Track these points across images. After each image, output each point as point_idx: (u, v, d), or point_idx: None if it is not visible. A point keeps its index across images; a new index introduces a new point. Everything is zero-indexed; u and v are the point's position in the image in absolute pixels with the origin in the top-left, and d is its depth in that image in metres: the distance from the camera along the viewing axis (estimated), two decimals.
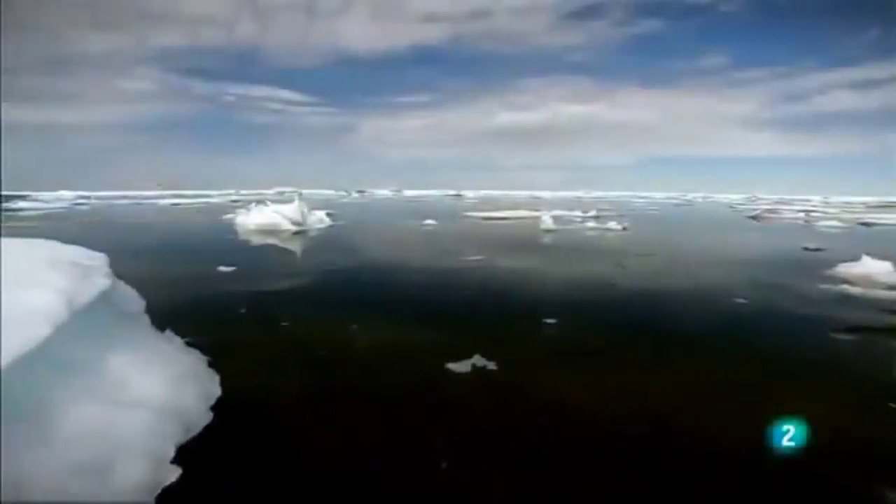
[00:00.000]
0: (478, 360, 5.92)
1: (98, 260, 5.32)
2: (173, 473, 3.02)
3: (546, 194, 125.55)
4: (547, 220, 25.50)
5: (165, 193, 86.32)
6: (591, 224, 29.15)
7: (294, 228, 22.88)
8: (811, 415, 4.34)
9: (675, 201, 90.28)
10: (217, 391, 4.48)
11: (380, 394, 5.06)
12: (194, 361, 4.92)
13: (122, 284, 5.38)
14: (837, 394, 5.30)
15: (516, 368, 5.80)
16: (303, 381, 5.37)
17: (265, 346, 6.53)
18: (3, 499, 2.13)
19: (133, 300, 5.37)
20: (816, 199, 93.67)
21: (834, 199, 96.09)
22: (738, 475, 3.68)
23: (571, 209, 43.12)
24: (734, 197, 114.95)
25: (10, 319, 3.02)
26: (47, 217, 34.30)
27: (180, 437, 3.47)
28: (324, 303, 9.21)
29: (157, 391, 3.74)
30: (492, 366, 5.80)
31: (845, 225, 31.57)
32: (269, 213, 24.04)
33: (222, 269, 12.08)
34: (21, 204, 50.44)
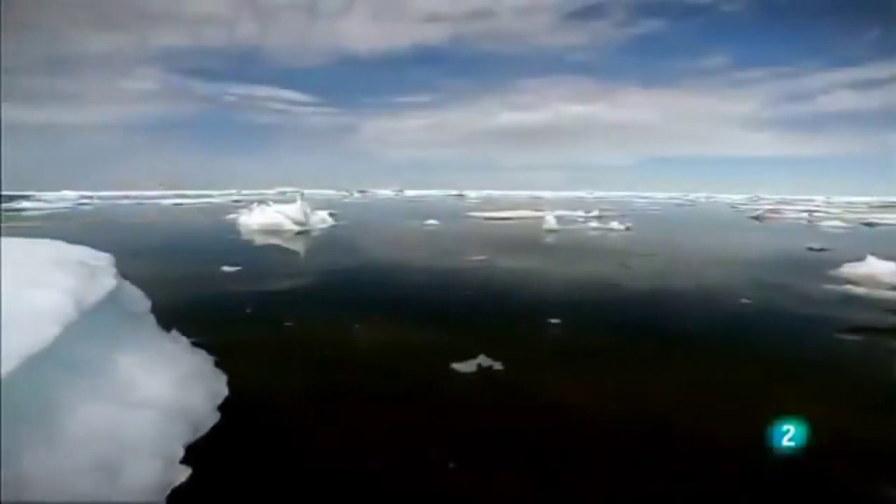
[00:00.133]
0: (483, 360, 5.91)
1: (104, 260, 5.34)
2: (183, 473, 3.02)
3: (547, 194, 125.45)
4: (550, 220, 25.47)
5: (167, 193, 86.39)
6: (593, 224, 29.14)
7: (297, 228, 22.89)
8: (817, 416, 4.34)
9: (676, 201, 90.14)
10: (224, 391, 4.49)
11: (386, 394, 5.07)
12: (201, 361, 4.93)
13: (127, 284, 5.39)
14: (843, 395, 5.28)
15: (522, 368, 5.79)
16: (309, 381, 5.37)
17: (270, 346, 6.54)
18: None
19: (139, 300, 5.38)
20: (819, 199, 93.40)
21: (836, 199, 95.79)
22: (745, 476, 3.67)
23: (574, 209, 43.06)
24: (736, 197, 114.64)
25: (19, 319, 3.03)
26: (50, 217, 34.37)
27: (188, 437, 3.47)
28: (328, 303, 9.22)
29: (164, 391, 3.74)
30: (497, 366, 5.79)
31: (848, 225, 31.48)
32: (272, 214, 24.05)
33: (226, 269, 12.10)
34: (24, 204, 50.56)
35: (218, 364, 5.14)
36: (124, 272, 5.42)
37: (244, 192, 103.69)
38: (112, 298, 4.42)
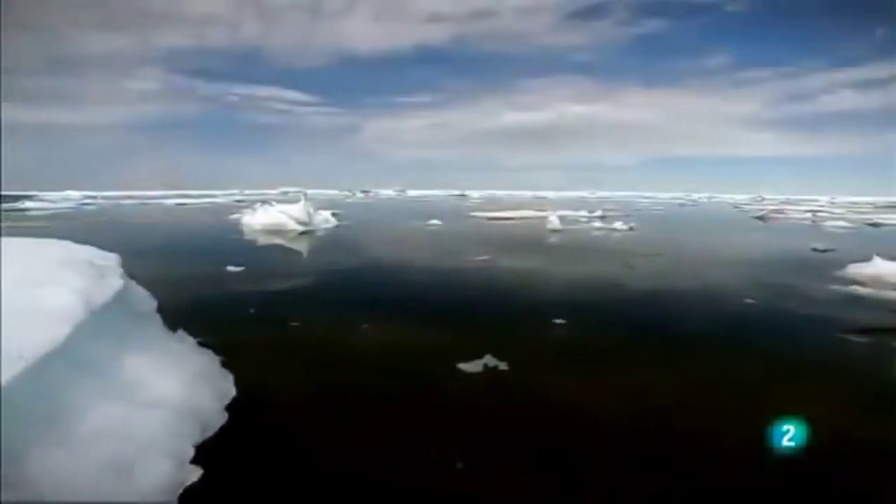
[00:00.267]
0: (489, 360, 5.90)
1: (111, 260, 5.36)
2: (194, 473, 3.03)
3: (550, 194, 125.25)
4: (553, 220, 25.46)
5: (171, 193, 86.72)
6: (597, 224, 29.12)
7: (300, 228, 22.91)
8: (824, 416, 4.36)
9: (679, 201, 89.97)
10: (231, 391, 4.49)
11: (392, 394, 5.07)
12: (208, 361, 4.93)
13: (133, 284, 5.41)
14: (850, 395, 5.26)
15: (528, 369, 5.78)
16: (316, 381, 5.38)
17: (277, 346, 6.55)
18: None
19: (145, 300, 5.39)
20: (823, 199, 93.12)
21: (840, 199, 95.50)
22: (751, 476, 3.66)
23: (577, 209, 43.03)
24: (739, 197, 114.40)
25: (32, 318, 3.04)
26: (54, 217, 34.48)
27: (198, 437, 3.48)
28: (333, 303, 9.22)
29: (173, 391, 3.75)
30: (503, 366, 5.78)
31: (853, 225, 31.36)
32: (275, 214, 24.07)
33: (231, 269, 12.11)
34: (28, 204, 50.74)
35: (224, 364, 5.14)
36: (129, 272, 5.44)
37: (247, 192, 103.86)
38: (120, 298, 4.43)
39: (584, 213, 38.58)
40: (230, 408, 4.22)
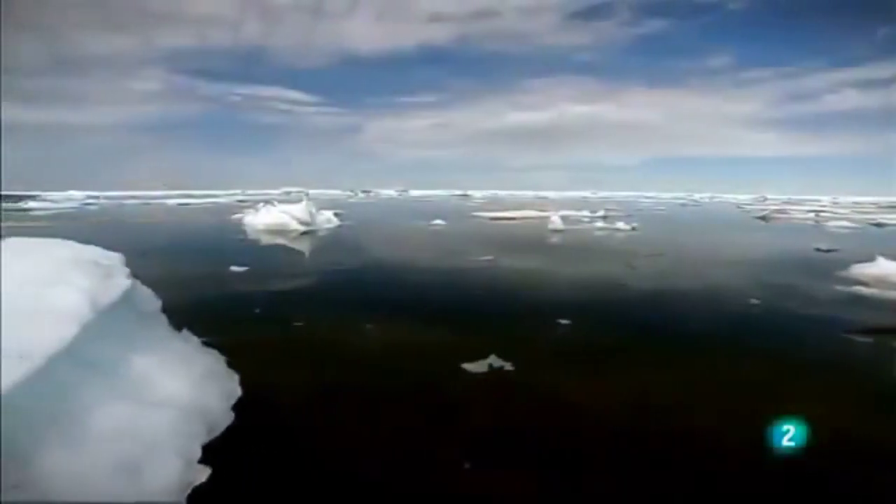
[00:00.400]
0: (494, 360, 5.89)
1: (115, 260, 5.36)
2: (202, 473, 3.03)
3: (552, 194, 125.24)
4: (556, 221, 25.43)
5: (173, 193, 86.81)
6: (599, 224, 29.07)
7: (302, 228, 22.93)
8: (830, 417, 4.36)
9: (681, 201, 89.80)
10: (237, 390, 4.50)
11: (397, 394, 5.07)
12: (213, 361, 4.94)
13: (138, 284, 5.41)
14: (857, 396, 5.25)
15: (533, 369, 5.78)
16: (322, 381, 5.38)
17: (281, 347, 6.56)
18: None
19: (149, 300, 5.39)
20: (826, 199, 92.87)
21: (843, 199, 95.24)
22: (761, 477, 3.65)
23: (579, 209, 42.98)
24: (742, 197, 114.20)
25: (41, 318, 3.05)
26: (57, 217, 34.57)
27: (205, 437, 3.48)
28: (337, 303, 9.23)
29: (181, 391, 3.76)
30: (508, 366, 5.78)
31: (856, 225, 31.27)
32: (278, 214, 24.09)
33: (234, 269, 12.13)
34: (31, 204, 50.88)
35: (230, 364, 5.14)
36: (133, 272, 5.42)
37: (249, 192, 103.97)
38: (125, 298, 4.44)
39: (586, 213, 38.53)
40: (237, 408, 4.23)
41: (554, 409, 4.78)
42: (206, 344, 5.47)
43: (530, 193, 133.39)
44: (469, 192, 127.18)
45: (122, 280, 4.63)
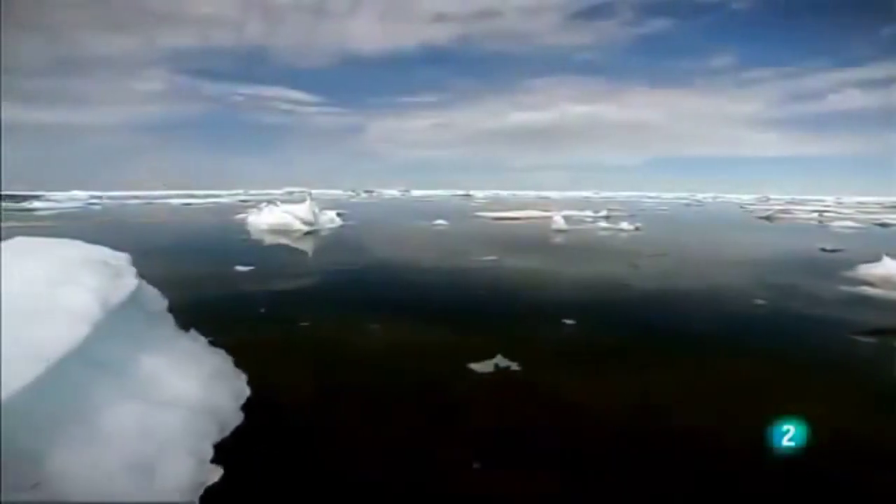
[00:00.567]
0: (500, 360, 5.90)
1: (123, 259, 5.37)
2: (215, 473, 3.03)
3: (554, 194, 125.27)
4: (559, 221, 25.40)
5: (176, 193, 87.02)
6: (602, 224, 29.05)
7: (305, 228, 22.95)
8: (836, 419, 4.35)
9: (684, 201, 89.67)
10: (246, 390, 4.50)
11: (404, 394, 5.07)
12: (221, 361, 4.94)
13: (144, 284, 5.41)
14: (866, 397, 5.23)
15: (539, 369, 5.77)
16: (329, 381, 5.38)
17: (288, 346, 6.57)
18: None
19: (156, 299, 5.40)
20: (829, 199, 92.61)
21: (846, 199, 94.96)
22: (769, 478, 3.64)
23: (582, 209, 42.93)
24: (744, 197, 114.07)
25: (52, 318, 3.06)
26: (61, 217, 34.66)
27: (216, 437, 3.49)
28: (342, 303, 9.22)
29: (191, 390, 3.77)
30: (515, 366, 5.77)
31: (861, 225, 31.16)
32: (281, 214, 24.12)
33: (239, 268, 12.15)
34: (36, 204, 51.06)
35: (237, 364, 5.14)
36: (139, 272, 5.43)
37: (251, 192, 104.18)
38: (134, 298, 4.45)
39: (588, 213, 38.48)
40: (246, 407, 4.23)
41: (561, 409, 4.78)
42: (213, 343, 5.47)
43: (532, 193, 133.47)
44: (471, 193, 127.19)
45: (130, 280, 4.64)
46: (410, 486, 3.50)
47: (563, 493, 3.49)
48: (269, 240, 20.08)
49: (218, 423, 3.61)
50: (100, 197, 73.25)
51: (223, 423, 3.69)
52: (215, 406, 3.79)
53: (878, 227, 30.75)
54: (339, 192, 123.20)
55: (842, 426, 4.34)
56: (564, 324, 7.66)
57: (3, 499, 2.12)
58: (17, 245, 4.58)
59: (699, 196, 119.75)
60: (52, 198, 62.77)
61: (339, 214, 28.92)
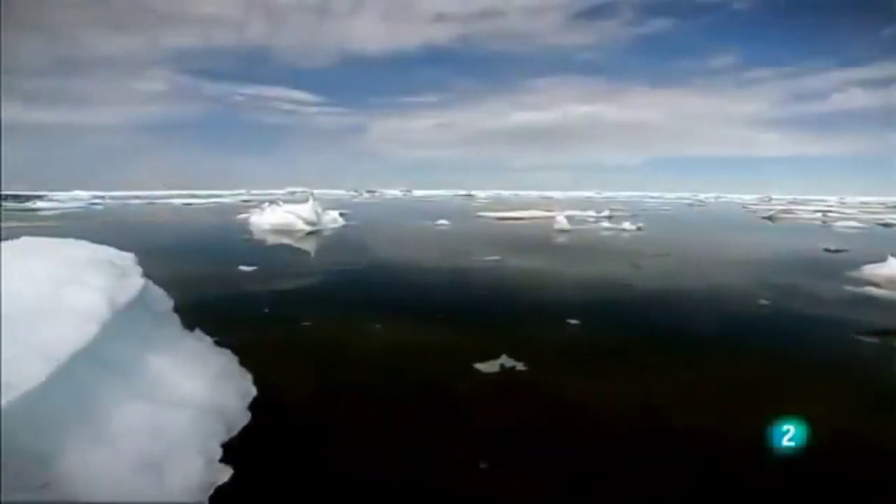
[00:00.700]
0: (505, 360, 5.89)
1: (128, 259, 5.37)
2: (224, 473, 3.03)
3: (556, 194, 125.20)
4: (561, 221, 25.36)
5: (178, 193, 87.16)
6: (605, 224, 29.03)
7: (308, 228, 22.96)
8: (842, 420, 4.33)
9: (686, 201, 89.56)
10: (252, 390, 4.50)
11: (410, 394, 5.07)
12: (227, 360, 4.94)
13: (150, 283, 5.41)
14: (870, 398, 5.22)
15: (545, 369, 5.77)
16: (335, 381, 5.38)
17: (293, 346, 6.57)
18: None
19: (161, 299, 5.40)
20: (832, 199, 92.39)
21: (849, 199, 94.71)
22: (777, 478, 3.63)
23: (584, 209, 42.87)
24: (746, 197, 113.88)
25: (59, 317, 3.06)
26: (64, 216, 34.75)
27: (224, 436, 3.48)
28: (346, 303, 9.22)
29: (198, 390, 3.77)
30: (520, 366, 5.77)
31: (864, 225, 31.09)
32: (284, 214, 24.13)
33: (243, 268, 12.17)
34: (39, 204, 51.21)
35: (242, 363, 5.13)
36: (143, 272, 5.43)
37: (253, 192, 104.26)
38: (140, 298, 4.45)
39: (591, 213, 38.43)
40: (252, 407, 4.23)
41: (568, 409, 4.77)
42: (218, 343, 5.47)
43: (534, 193, 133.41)
44: (472, 192, 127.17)
45: (136, 280, 4.64)
46: (419, 486, 3.50)
47: (572, 493, 3.48)
48: (272, 240, 20.10)
49: (225, 423, 3.60)
50: (102, 197, 73.35)
51: (230, 423, 3.69)
52: (222, 406, 3.79)
53: (882, 228, 30.69)
54: (340, 192, 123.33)
55: (848, 427, 4.34)
56: (569, 324, 7.65)
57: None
58: (23, 245, 4.58)
59: (701, 196, 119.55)
60: (55, 198, 62.91)
61: (341, 214, 28.92)
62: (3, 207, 39.81)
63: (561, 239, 21.85)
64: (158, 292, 5.47)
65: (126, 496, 2.45)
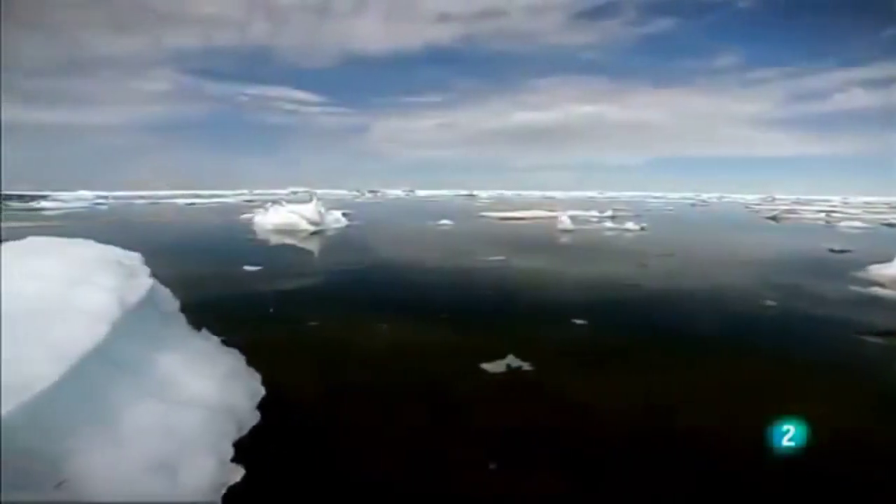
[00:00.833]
0: (512, 360, 5.89)
1: (135, 259, 5.38)
2: (236, 473, 3.03)
3: (558, 194, 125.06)
4: (565, 221, 25.35)
5: (182, 193, 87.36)
6: (608, 224, 28.97)
7: (312, 228, 23.00)
8: (849, 420, 4.32)
9: (689, 201, 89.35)
10: (261, 390, 4.49)
11: (418, 394, 5.07)
12: (234, 360, 4.94)
13: (157, 283, 5.42)
14: (877, 400, 5.20)
15: (551, 369, 5.76)
16: (343, 381, 5.39)
17: (300, 346, 6.58)
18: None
19: (168, 299, 5.41)
20: (836, 199, 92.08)
21: (853, 199, 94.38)
22: (784, 478, 3.62)
23: (586, 209, 42.81)
24: (749, 197, 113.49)
25: (70, 317, 3.06)
26: (68, 216, 34.88)
27: (235, 436, 3.49)
28: (351, 303, 9.23)
29: (208, 390, 3.77)
30: (527, 366, 5.76)
31: (869, 226, 30.99)
32: (287, 214, 24.17)
33: (248, 268, 12.20)
34: (43, 203, 51.39)
35: (250, 363, 5.13)
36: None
37: (256, 192, 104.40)
38: (149, 297, 4.46)
39: (594, 213, 38.36)
40: (262, 407, 4.23)
41: (575, 409, 4.76)
42: (225, 343, 5.47)
43: (536, 193, 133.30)
44: (475, 193, 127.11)
45: (145, 279, 4.65)
46: (429, 486, 3.50)
47: (582, 493, 3.48)
48: (276, 240, 20.12)
49: (236, 423, 3.61)
50: (106, 197, 73.54)
51: (241, 423, 3.69)
52: (232, 405, 3.79)
53: (886, 228, 30.55)
54: (343, 192, 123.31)
55: (854, 427, 4.34)
56: (574, 324, 7.64)
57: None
58: (31, 245, 4.60)
59: (704, 196, 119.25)
60: (59, 198, 63.06)
61: (344, 214, 28.94)
62: (8, 207, 39.94)
63: (564, 239, 21.83)
64: (165, 292, 5.48)
65: (140, 496, 2.46)
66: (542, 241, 21.45)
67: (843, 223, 32.57)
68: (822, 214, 42.34)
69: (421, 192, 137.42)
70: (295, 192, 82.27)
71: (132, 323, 3.72)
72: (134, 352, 3.62)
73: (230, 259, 14.13)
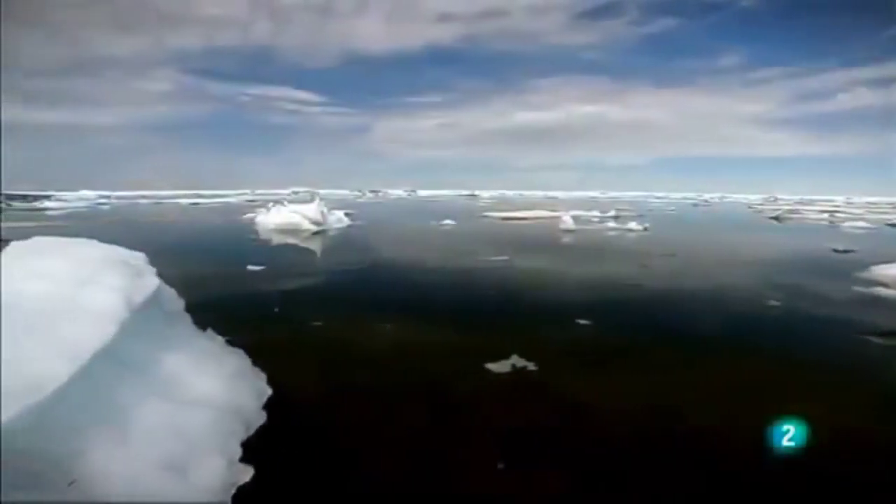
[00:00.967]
0: (516, 360, 5.90)
1: (140, 259, 5.39)
2: (245, 472, 3.04)
3: (560, 194, 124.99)
4: (567, 221, 25.35)
5: (183, 193, 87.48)
6: (611, 224, 28.93)
7: (314, 228, 23.02)
8: (854, 421, 4.31)
9: (692, 201, 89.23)
10: (267, 389, 4.51)
11: (424, 394, 5.07)
12: (240, 360, 4.96)
13: (162, 283, 5.43)
14: (881, 400, 5.20)
15: (556, 369, 5.76)
16: (349, 381, 5.39)
17: (305, 346, 6.59)
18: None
19: (173, 299, 5.42)
20: (839, 199, 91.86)
21: (856, 199, 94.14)
22: (789, 478, 3.61)
23: (589, 209, 42.77)
24: (752, 197, 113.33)
25: (78, 317, 3.08)
26: (71, 216, 34.97)
27: (243, 436, 3.50)
28: (354, 303, 9.24)
29: (215, 389, 3.78)
30: (531, 366, 5.77)
31: (872, 226, 30.88)
32: (289, 214, 24.21)
33: (251, 268, 12.22)
34: (46, 203, 51.52)
35: (255, 362, 5.15)
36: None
37: (258, 192, 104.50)
38: (154, 297, 4.47)
39: (596, 213, 38.34)
40: (268, 406, 4.24)
41: (579, 409, 4.76)
42: (230, 343, 5.49)
43: (538, 193, 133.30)
44: (477, 193, 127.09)
45: (151, 279, 4.67)
46: (436, 486, 3.51)
47: (587, 493, 3.48)
48: (279, 239, 20.15)
49: (244, 423, 3.62)
50: (108, 197, 73.65)
51: (248, 423, 3.71)
52: (239, 405, 3.81)
53: (890, 228, 30.46)
54: (345, 192, 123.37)
55: (856, 427, 4.34)
56: (578, 324, 7.64)
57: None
58: (37, 245, 4.61)
59: (706, 196, 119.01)
60: (62, 197, 63.17)
61: (346, 214, 29.00)
62: (11, 207, 40.07)
63: (567, 239, 21.81)
64: (170, 292, 5.49)
65: (151, 497, 2.47)
66: (545, 241, 21.43)
67: (846, 223, 32.48)
68: (826, 214, 42.24)
69: (423, 193, 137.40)
70: (297, 192, 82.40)
71: (139, 323, 3.74)
72: (141, 351, 3.63)
73: (233, 259, 14.16)
